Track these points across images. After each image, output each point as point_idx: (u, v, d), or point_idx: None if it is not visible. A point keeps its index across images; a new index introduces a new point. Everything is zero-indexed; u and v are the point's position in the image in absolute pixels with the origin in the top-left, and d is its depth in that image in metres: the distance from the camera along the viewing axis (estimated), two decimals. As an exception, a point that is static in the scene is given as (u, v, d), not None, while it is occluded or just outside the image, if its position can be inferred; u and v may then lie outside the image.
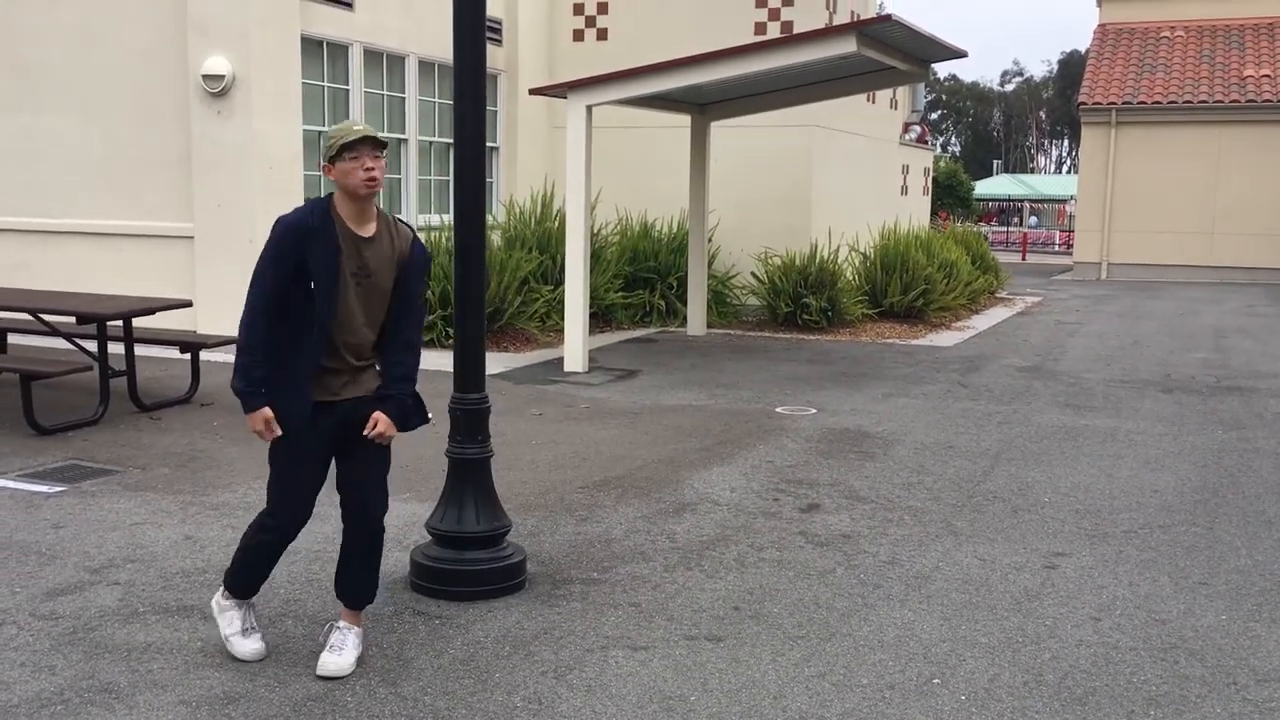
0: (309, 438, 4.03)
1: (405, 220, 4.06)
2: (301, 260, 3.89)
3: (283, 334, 3.94)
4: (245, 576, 4.25)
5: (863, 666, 4.27)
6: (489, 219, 14.79)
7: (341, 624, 4.26)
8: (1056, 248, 42.30)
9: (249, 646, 4.22)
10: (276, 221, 3.93)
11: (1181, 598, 5.06)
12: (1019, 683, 4.15)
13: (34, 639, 4.38)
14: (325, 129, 3.80)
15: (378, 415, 4.07)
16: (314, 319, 3.92)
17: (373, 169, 3.92)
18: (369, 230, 4.01)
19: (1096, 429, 8.67)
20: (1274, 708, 3.99)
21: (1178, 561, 5.55)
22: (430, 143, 14.51)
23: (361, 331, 4.04)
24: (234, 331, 11.03)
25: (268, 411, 3.95)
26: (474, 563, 4.87)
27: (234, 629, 4.25)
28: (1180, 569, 5.45)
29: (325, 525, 5.56)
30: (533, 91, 11.47)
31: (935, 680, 4.16)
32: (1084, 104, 25.76)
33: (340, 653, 4.14)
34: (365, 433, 4.08)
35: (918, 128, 21.76)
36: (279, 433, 3.99)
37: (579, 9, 16.10)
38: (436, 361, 11.19)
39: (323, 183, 12.72)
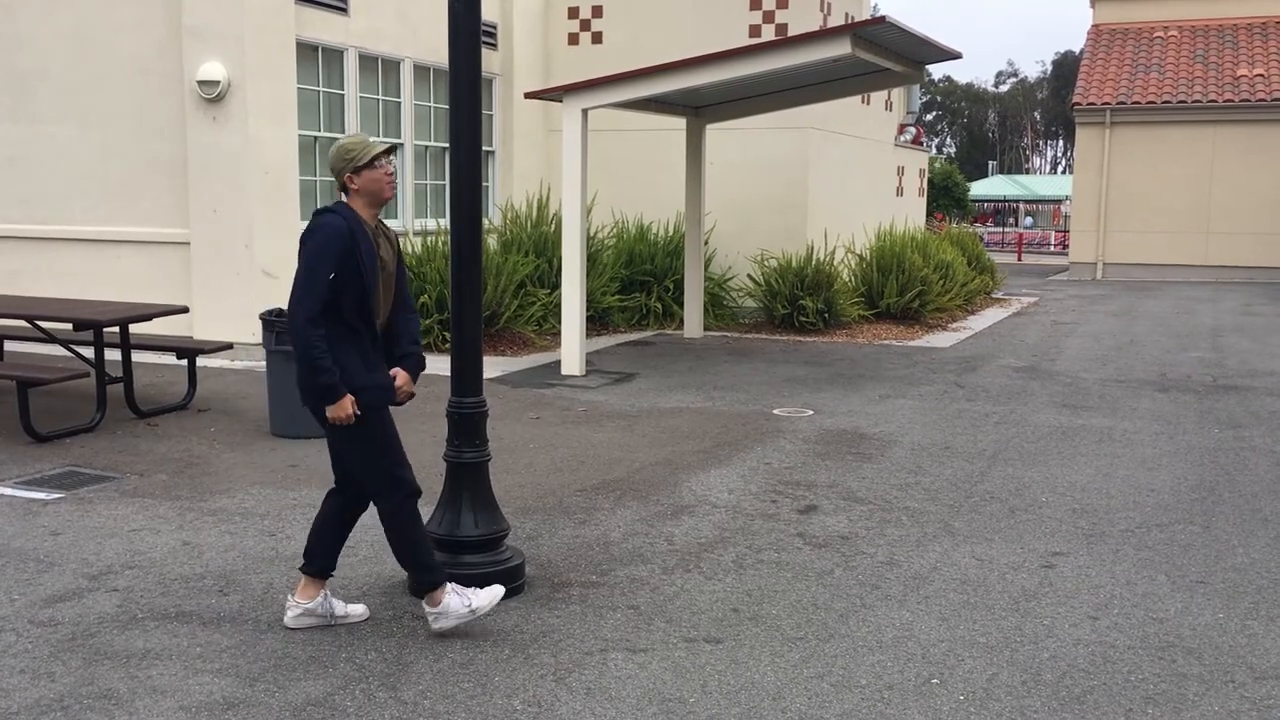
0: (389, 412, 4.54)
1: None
2: (354, 260, 4.32)
3: (339, 328, 4.34)
4: (424, 542, 4.54)
5: (861, 667, 4.28)
6: (485, 222, 14.82)
7: (305, 602, 4.63)
8: (1052, 248, 42.34)
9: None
10: (323, 226, 4.32)
11: (1179, 596, 5.07)
12: (1017, 682, 4.16)
13: (33, 646, 4.38)
14: (341, 139, 4.31)
15: (402, 372, 4.59)
16: (369, 310, 4.38)
17: (393, 174, 4.49)
18: (373, 229, 4.52)
19: (1093, 429, 8.69)
20: (1271, 705, 4.00)
21: (1175, 560, 5.57)
22: (426, 147, 14.52)
23: (384, 315, 4.57)
24: (229, 337, 11.12)
25: (349, 395, 4.35)
26: (472, 566, 4.87)
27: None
28: (1177, 568, 5.46)
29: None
30: (528, 95, 11.48)
31: (934, 680, 4.17)
32: (1078, 104, 25.81)
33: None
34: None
35: (913, 129, 21.75)
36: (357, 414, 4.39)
37: (574, 12, 16.11)
38: (434, 365, 11.17)
39: (320, 187, 12.73)
